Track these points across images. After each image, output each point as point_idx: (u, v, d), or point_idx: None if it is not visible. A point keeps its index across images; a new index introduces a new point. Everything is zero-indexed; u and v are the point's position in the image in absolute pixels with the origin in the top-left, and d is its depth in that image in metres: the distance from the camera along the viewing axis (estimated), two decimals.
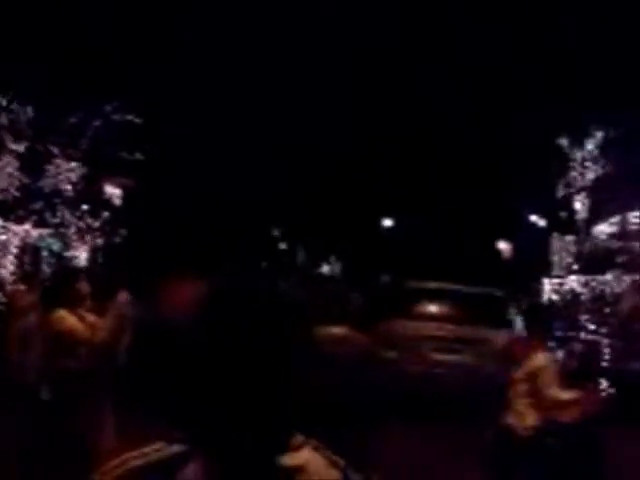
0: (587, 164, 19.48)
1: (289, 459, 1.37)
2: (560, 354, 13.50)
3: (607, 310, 14.50)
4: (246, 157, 30.71)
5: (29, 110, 17.87)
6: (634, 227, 16.22)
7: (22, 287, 9.48)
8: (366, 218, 41.03)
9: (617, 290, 14.97)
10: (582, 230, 18.80)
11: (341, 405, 3.61)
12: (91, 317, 5.00)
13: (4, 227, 17.85)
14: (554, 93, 20.83)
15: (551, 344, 17.79)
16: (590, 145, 19.65)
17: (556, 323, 18.89)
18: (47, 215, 18.89)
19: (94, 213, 19.82)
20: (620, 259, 15.47)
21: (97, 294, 5.30)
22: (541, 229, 22.33)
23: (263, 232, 39.81)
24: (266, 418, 1.35)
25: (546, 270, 19.59)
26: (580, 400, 5.00)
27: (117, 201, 21.51)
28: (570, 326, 17.00)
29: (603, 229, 17.82)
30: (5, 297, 13.66)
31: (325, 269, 48.51)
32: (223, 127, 28.02)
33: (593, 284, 16.28)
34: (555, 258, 18.92)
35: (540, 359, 5.23)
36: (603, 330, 13.63)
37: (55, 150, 18.96)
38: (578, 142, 19.91)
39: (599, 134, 19.35)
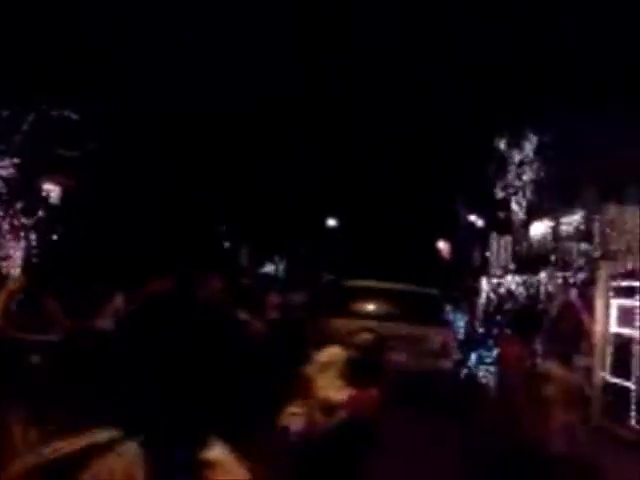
0: (524, 166, 19.95)
1: (206, 454, 1.44)
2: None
3: (540, 307, 14.88)
4: (189, 154, 30.45)
5: None
6: (566, 228, 16.67)
7: None
8: (311, 218, 41.13)
9: (550, 289, 15.37)
10: (519, 230, 19.23)
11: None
12: None
13: None
14: (492, 95, 21.25)
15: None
16: (527, 147, 20.12)
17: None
18: None
19: (29, 211, 19.42)
20: (553, 258, 15.88)
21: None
22: (480, 229, 22.76)
23: (206, 230, 39.53)
24: (189, 413, 1.41)
25: (484, 270, 19.98)
26: (352, 400, 4.50)
27: (55, 199, 21.09)
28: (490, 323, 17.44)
29: (538, 229, 18.26)
30: None
31: (269, 268, 48.53)
32: (166, 123, 27.73)
33: (528, 283, 16.67)
34: (493, 258, 19.31)
35: (327, 355, 4.64)
36: None
37: None
38: (515, 144, 20.38)
39: (534, 137, 19.83)
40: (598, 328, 12.11)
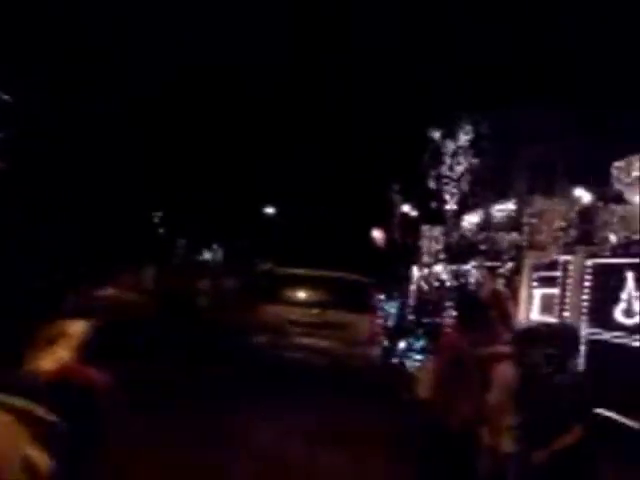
0: (457, 157, 20.23)
1: None
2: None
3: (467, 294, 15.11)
4: (123, 138, 29.92)
5: None
6: (496, 219, 16.97)
7: None
8: (249, 205, 41.00)
9: (478, 278, 15.64)
10: (450, 220, 19.51)
11: None
12: None
13: None
14: (428, 87, 21.47)
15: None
16: (461, 139, 20.40)
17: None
18: None
19: None
20: (483, 248, 16.15)
21: None
22: (414, 219, 23.01)
23: (141, 217, 38.96)
24: None
25: (416, 259, 20.22)
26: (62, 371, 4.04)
27: None
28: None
29: (470, 220, 18.54)
30: None
31: (207, 256, 48.28)
32: (98, 106, 27.17)
33: (457, 272, 16.93)
34: (425, 247, 19.54)
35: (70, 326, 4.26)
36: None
37: None
38: (450, 135, 20.63)
39: (468, 128, 20.11)
40: (521, 316, 12.38)
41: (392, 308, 20.27)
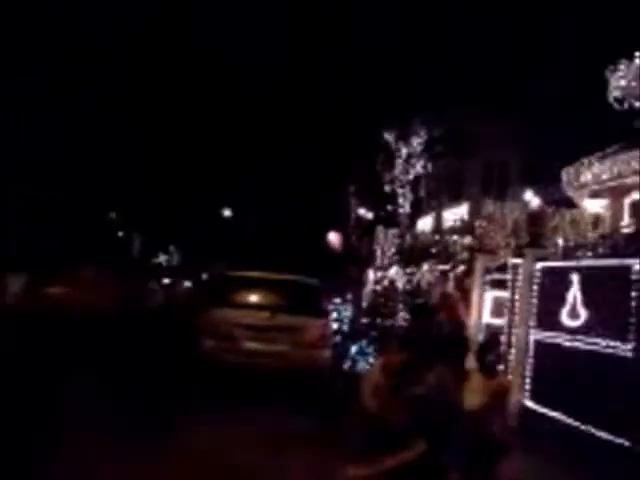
0: (411, 161, 20.24)
1: None
2: None
3: (418, 299, 15.16)
4: (81, 138, 29.51)
5: None
6: (451, 221, 17.07)
7: None
8: (207, 208, 40.71)
9: (430, 280, 15.68)
10: (404, 223, 19.53)
11: None
12: None
13: None
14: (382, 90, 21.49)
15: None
16: (415, 142, 20.42)
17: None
18: None
19: None
20: (435, 251, 16.20)
21: None
22: (369, 221, 22.99)
23: (98, 217, 38.42)
24: None
25: (371, 262, 20.18)
26: None
27: None
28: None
29: (424, 222, 18.62)
30: None
31: (162, 258, 47.73)
32: (65, 106, 26.83)
33: (411, 275, 16.96)
34: (379, 250, 19.52)
35: None
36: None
37: None
38: (404, 138, 20.63)
39: (423, 132, 20.16)
40: (473, 318, 12.42)
41: (346, 311, 20.20)
